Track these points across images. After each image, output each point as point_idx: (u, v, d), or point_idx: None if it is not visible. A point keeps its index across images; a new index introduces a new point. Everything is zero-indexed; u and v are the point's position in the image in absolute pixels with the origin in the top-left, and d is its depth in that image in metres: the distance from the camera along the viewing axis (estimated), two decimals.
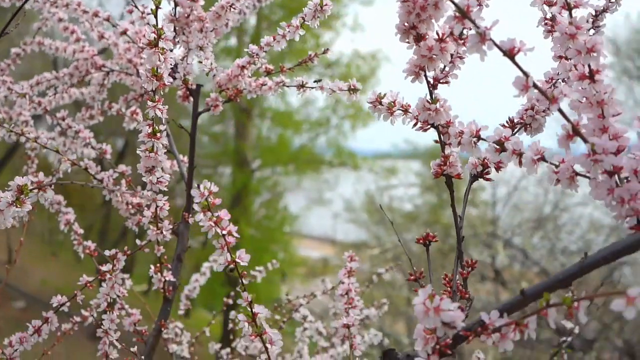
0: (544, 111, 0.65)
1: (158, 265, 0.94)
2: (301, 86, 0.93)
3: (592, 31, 0.69)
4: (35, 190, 0.64)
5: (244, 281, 0.62)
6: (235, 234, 0.61)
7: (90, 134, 1.09)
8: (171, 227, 0.88)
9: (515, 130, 0.67)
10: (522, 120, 0.66)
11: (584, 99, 0.53)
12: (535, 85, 0.49)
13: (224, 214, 0.61)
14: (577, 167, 0.54)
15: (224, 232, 0.61)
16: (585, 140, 0.50)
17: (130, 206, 0.99)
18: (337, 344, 1.29)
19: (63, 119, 1.09)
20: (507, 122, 0.67)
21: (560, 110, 0.50)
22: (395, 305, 6.52)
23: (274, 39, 0.89)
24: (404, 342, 6.17)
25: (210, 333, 1.46)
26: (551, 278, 0.50)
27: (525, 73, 0.49)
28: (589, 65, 0.52)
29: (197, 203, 0.59)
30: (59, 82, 1.15)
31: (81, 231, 1.08)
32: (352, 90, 0.80)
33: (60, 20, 1.16)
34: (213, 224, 0.60)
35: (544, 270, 6.67)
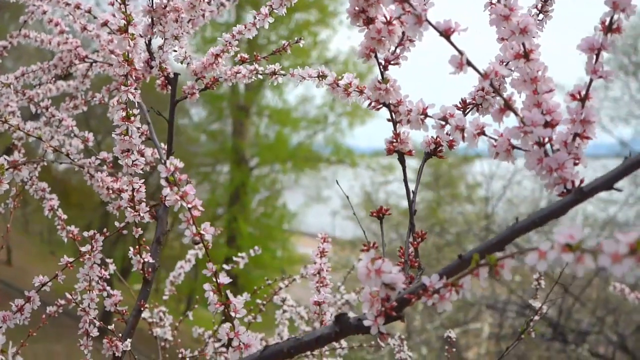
0: (494, 92, 0.69)
1: (137, 247, 0.98)
2: (273, 73, 0.97)
3: (541, 15, 0.73)
4: (11, 170, 0.67)
5: (208, 253, 0.66)
6: (200, 208, 0.65)
7: (73, 122, 1.13)
8: (148, 209, 0.92)
9: (468, 110, 0.70)
10: (473, 101, 0.70)
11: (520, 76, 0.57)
12: (469, 63, 0.53)
13: (190, 189, 0.65)
14: (514, 141, 0.58)
15: (190, 205, 0.64)
16: (516, 114, 0.54)
17: (110, 191, 1.03)
18: (317, 327, 1.33)
19: (47, 108, 1.13)
20: (459, 102, 0.71)
21: (492, 86, 0.54)
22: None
23: (246, 27, 0.93)
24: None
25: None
26: (485, 242, 0.54)
27: (460, 52, 0.53)
28: (523, 45, 0.56)
29: (163, 178, 0.63)
30: (44, 74, 1.18)
31: (65, 217, 1.11)
32: (321, 77, 0.84)
33: (44, 12, 1.20)
34: (179, 198, 0.64)
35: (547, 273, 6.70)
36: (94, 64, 1.20)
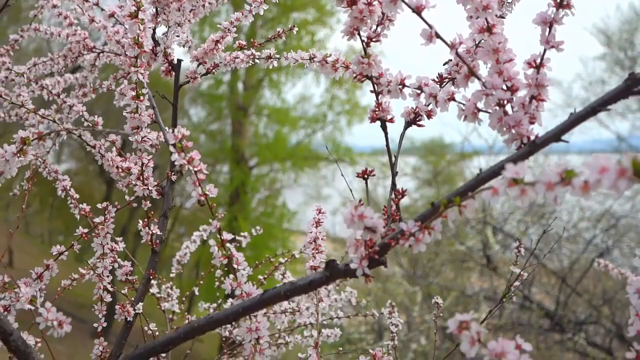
0: (460, 60, 0.77)
1: (146, 220, 1.06)
2: (269, 57, 1.05)
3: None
4: (36, 141, 0.75)
5: (213, 212, 0.74)
6: (205, 171, 0.73)
7: (83, 107, 1.20)
8: (156, 183, 1.00)
9: (444, 83, 0.78)
10: (449, 75, 0.78)
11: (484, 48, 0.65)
12: (437, 35, 0.61)
13: (195, 155, 0.73)
14: (480, 105, 0.66)
15: (196, 169, 0.72)
16: (479, 79, 0.62)
17: (120, 169, 1.11)
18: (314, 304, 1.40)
19: (58, 95, 1.21)
20: (436, 76, 0.79)
21: (458, 55, 0.62)
22: (394, 298, 6.65)
23: (242, 14, 1.01)
24: (404, 338, 6.30)
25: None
26: (454, 191, 0.62)
27: (429, 25, 0.61)
28: (487, 20, 0.64)
29: (172, 145, 0.71)
30: (55, 64, 1.26)
31: (77, 196, 1.19)
32: (311, 59, 0.92)
33: (54, 6, 1.28)
34: (186, 162, 0.72)
35: (536, 256, 6.80)
36: (101, 54, 1.28)
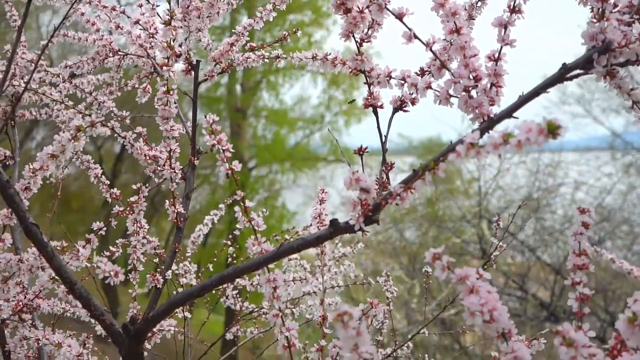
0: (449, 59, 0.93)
1: (172, 200, 1.22)
2: (277, 57, 1.21)
3: (480, 3, 0.97)
4: (90, 127, 0.91)
5: (237, 183, 0.90)
6: (231, 150, 0.89)
7: (112, 104, 1.37)
8: (182, 167, 1.16)
9: (425, 75, 0.95)
10: (429, 68, 0.94)
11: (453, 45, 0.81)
12: (415, 36, 0.77)
13: (223, 136, 0.89)
14: (451, 91, 0.82)
15: (224, 148, 0.89)
16: (448, 70, 0.78)
17: (147, 157, 1.27)
18: (318, 275, 1.57)
19: (90, 93, 1.37)
20: (419, 70, 0.95)
21: (432, 52, 0.78)
22: (400, 301, 6.81)
23: (254, 20, 1.17)
24: (404, 331, 6.47)
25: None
26: (432, 158, 0.78)
27: (409, 28, 0.77)
28: (455, 23, 0.80)
29: (204, 128, 0.87)
30: (85, 65, 1.42)
31: (107, 182, 1.35)
32: (314, 58, 1.08)
33: (82, 14, 1.44)
34: (216, 142, 0.88)
35: (532, 249, 6.98)
36: (125, 57, 1.44)
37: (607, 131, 8.73)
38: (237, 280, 1.77)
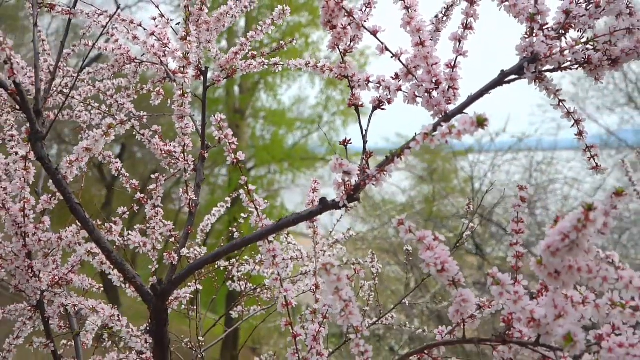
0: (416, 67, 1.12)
1: (185, 188, 1.41)
2: (276, 64, 1.40)
3: (445, 18, 1.16)
4: (119, 125, 1.10)
5: (242, 171, 1.09)
6: (236, 143, 1.08)
7: (131, 105, 1.55)
8: (194, 159, 1.35)
9: (397, 80, 1.13)
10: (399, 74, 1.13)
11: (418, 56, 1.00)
12: (386, 49, 0.96)
13: (229, 131, 1.08)
14: (416, 93, 1.01)
15: (230, 141, 1.07)
16: (413, 76, 0.97)
17: (162, 152, 1.45)
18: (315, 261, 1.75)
19: (111, 96, 1.56)
20: (394, 74, 1.14)
21: (400, 61, 0.97)
22: (397, 296, 7.00)
23: (256, 32, 1.36)
24: (404, 329, 6.65)
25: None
26: (400, 147, 0.97)
27: (381, 42, 0.96)
28: (419, 37, 0.99)
29: (213, 125, 1.06)
30: (106, 71, 1.61)
31: (127, 175, 1.54)
32: (307, 65, 1.27)
33: (103, 27, 1.62)
34: (223, 137, 1.07)
35: (525, 245, 7.16)
36: (141, 64, 1.63)
37: (602, 129, 8.93)
38: (241, 266, 1.96)
